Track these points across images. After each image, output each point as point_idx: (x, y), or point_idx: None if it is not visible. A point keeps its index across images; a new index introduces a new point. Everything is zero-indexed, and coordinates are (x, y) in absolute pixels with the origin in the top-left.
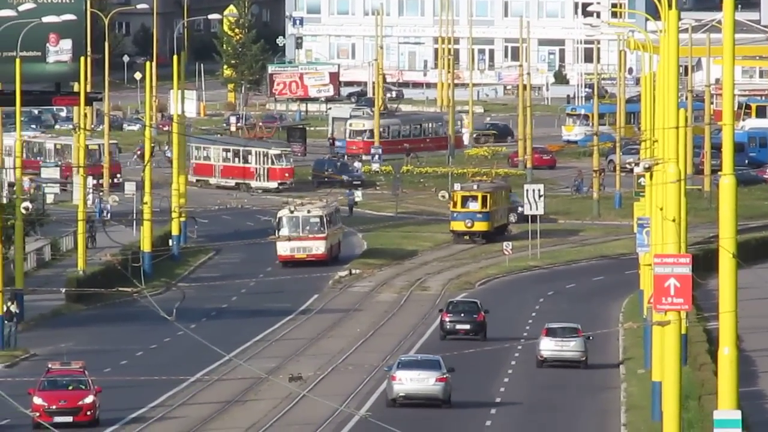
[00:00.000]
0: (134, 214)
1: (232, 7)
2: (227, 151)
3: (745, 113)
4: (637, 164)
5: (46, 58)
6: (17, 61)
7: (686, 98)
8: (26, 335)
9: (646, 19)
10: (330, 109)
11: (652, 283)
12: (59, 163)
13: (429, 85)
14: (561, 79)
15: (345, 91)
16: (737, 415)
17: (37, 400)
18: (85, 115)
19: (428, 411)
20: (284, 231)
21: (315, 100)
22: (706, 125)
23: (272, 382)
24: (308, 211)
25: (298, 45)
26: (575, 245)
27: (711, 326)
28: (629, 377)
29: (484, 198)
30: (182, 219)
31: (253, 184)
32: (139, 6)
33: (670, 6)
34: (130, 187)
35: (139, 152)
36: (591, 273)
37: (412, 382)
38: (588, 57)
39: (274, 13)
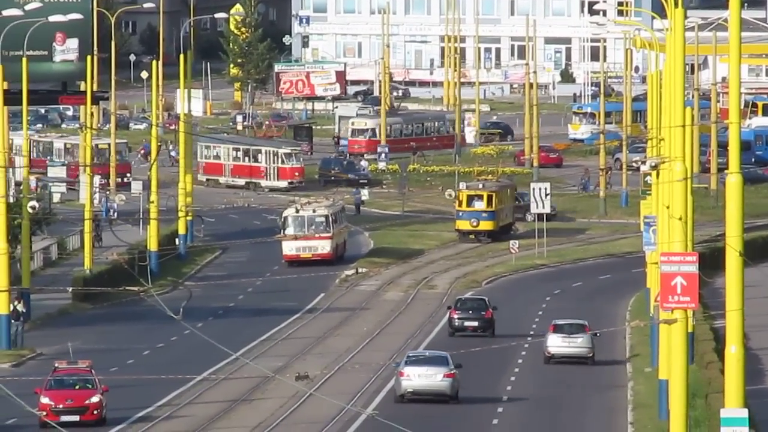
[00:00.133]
0: (141, 213)
1: (238, 5)
2: (237, 150)
3: (751, 111)
4: (643, 162)
5: (53, 57)
6: (24, 60)
7: (693, 96)
8: (33, 334)
9: (653, 18)
10: (336, 107)
11: (659, 282)
12: (65, 162)
13: (435, 84)
14: (567, 77)
15: (351, 89)
16: (744, 413)
17: (44, 400)
18: (92, 114)
19: (435, 409)
20: (290, 230)
21: (321, 98)
22: (712, 123)
23: (279, 380)
24: (314, 211)
25: (305, 44)
26: (582, 244)
27: (718, 324)
28: (636, 375)
29: (489, 197)
30: (189, 218)
31: (263, 183)
32: (145, 5)
33: (676, 4)
34: (136, 186)
35: (143, 151)
36: (598, 271)
37: (420, 378)
38: (594, 55)
39: (281, 12)
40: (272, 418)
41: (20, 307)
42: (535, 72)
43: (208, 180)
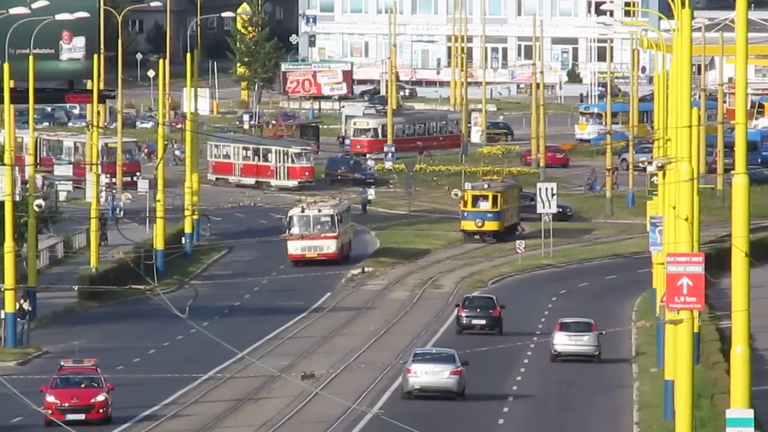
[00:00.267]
0: (147, 212)
1: (245, 5)
2: (247, 149)
3: (758, 112)
4: (650, 163)
5: (60, 55)
6: (30, 58)
7: (699, 97)
8: (39, 333)
9: (659, 18)
10: (343, 107)
11: (665, 282)
12: (71, 161)
13: (442, 84)
14: (574, 77)
15: (358, 89)
16: (750, 413)
17: (50, 398)
18: (98, 112)
19: (441, 408)
20: (295, 230)
21: (328, 98)
22: (719, 124)
23: (285, 380)
24: (319, 210)
25: (312, 43)
26: (588, 244)
27: (723, 325)
28: (642, 375)
29: (494, 197)
30: (195, 217)
31: (273, 182)
32: (152, 4)
33: (683, 5)
34: (143, 185)
35: (146, 150)
36: (604, 272)
37: (427, 375)
38: (601, 55)
39: (288, 11)
40: (278, 417)
41: (26, 306)
42: (541, 72)
43: (217, 179)
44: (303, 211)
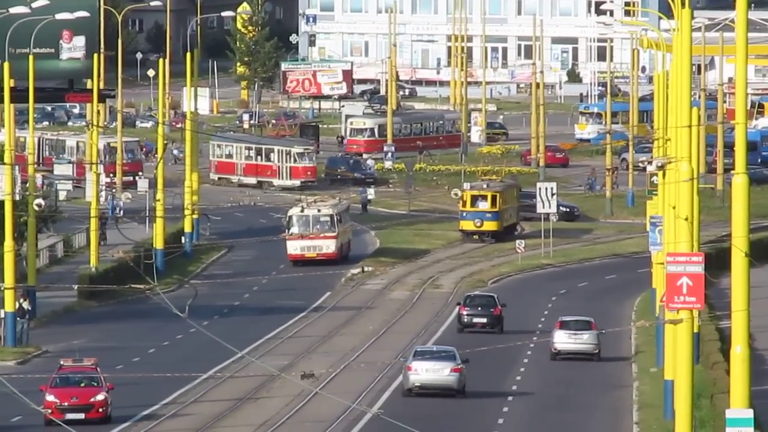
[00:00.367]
0: (147, 212)
1: (245, 4)
2: (249, 149)
3: (758, 112)
4: (650, 163)
5: (60, 54)
6: (30, 57)
7: (699, 97)
8: (38, 332)
9: (659, 18)
10: (343, 106)
11: (665, 282)
12: (71, 160)
13: (442, 83)
14: (574, 77)
15: (358, 88)
16: (749, 413)
17: (49, 397)
18: (98, 112)
19: (441, 407)
20: (294, 230)
21: (328, 97)
22: (718, 124)
23: (284, 379)
24: (319, 210)
25: (312, 42)
26: (588, 244)
27: (723, 325)
28: (641, 375)
29: (493, 197)
30: (195, 216)
31: (276, 182)
32: (152, 3)
33: (683, 5)
34: (142, 185)
35: (144, 150)
36: (603, 271)
37: (427, 372)
38: (601, 55)
39: (288, 11)
40: (278, 416)
41: (26, 305)
42: (541, 72)
43: (220, 179)
44: (302, 210)
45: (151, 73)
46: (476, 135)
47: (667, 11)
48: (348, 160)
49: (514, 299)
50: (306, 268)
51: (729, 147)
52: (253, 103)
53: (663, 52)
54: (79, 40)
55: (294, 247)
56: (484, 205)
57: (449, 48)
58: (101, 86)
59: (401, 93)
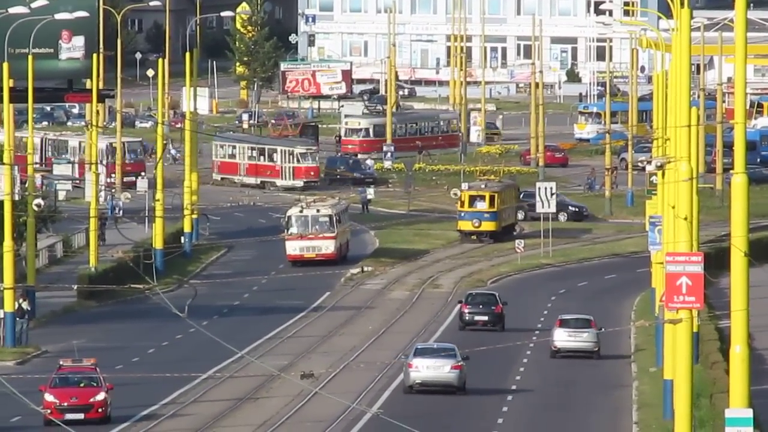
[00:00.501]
0: (146, 212)
1: (244, 4)
2: (252, 149)
3: (757, 112)
4: (649, 162)
5: (59, 55)
6: (30, 57)
7: (698, 97)
8: (38, 332)
9: (659, 18)
10: (342, 106)
11: (664, 281)
12: (75, 159)
13: (441, 83)
14: (573, 77)
15: (357, 88)
16: (749, 413)
17: (49, 397)
18: (98, 112)
19: (441, 407)
20: (293, 230)
21: (327, 97)
22: (718, 124)
23: (284, 379)
24: (318, 210)
25: (311, 42)
26: (587, 243)
27: (723, 324)
28: (641, 375)
29: (491, 197)
30: (194, 216)
31: (279, 182)
32: (151, 3)
33: (682, 4)
34: (142, 185)
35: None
36: (603, 271)
37: (428, 369)
38: (600, 55)
39: (287, 11)
40: (277, 416)
41: (25, 305)
42: (541, 71)
43: (223, 179)
44: (301, 211)
45: (150, 73)
46: (475, 135)
47: (666, 11)
48: (347, 160)
49: (513, 299)
50: (305, 268)
51: (728, 146)
52: (252, 103)
53: (662, 52)
54: (79, 40)
55: (293, 248)
56: (482, 206)
57: (448, 48)
58: (100, 86)
59: (400, 93)
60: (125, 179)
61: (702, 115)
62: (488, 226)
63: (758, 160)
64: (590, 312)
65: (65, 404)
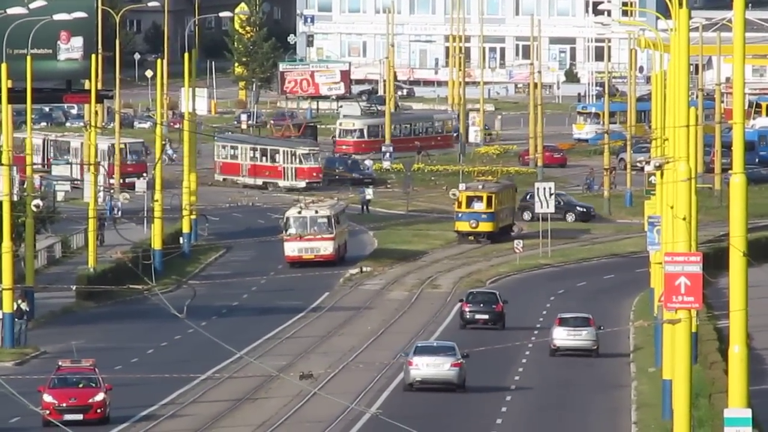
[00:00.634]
0: (145, 212)
1: (243, 5)
2: (255, 150)
3: (755, 112)
4: (647, 162)
5: (57, 55)
6: (28, 58)
7: (697, 97)
8: (36, 333)
9: (657, 18)
10: (341, 107)
11: (663, 282)
12: (77, 161)
13: (440, 83)
14: (572, 77)
15: (356, 89)
16: (748, 413)
17: (47, 398)
18: (96, 112)
19: (440, 407)
20: (292, 231)
21: (326, 97)
22: (716, 124)
23: (283, 379)
24: (316, 211)
25: (310, 43)
26: (586, 243)
27: (721, 324)
28: (640, 375)
29: (489, 198)
30: (193, 217)
31: (281, 183)
32: (150, 4)
33: (680, 5)
34: (140, 185)
35: None
36: (602, 271)
37: (428, 367)
38: (599, 55)
39: (286, 11)
40: (276, 416)
41: (24, 306)
42: (539, 72)
43: (225, 179)
44: (300, 212)
45: (149, 73)
46: (473, 135)
47: (664, 11)
48: (346, 160)
49: (513, 299)
50: (304, 268)
51: (727, 147)
52: (251, 104)
53: (661, 52)
54: (77, 41)
55: (291, 249)
56: (479, 206)
57: (447, 48)
58: (99, 87)
59: (399, 93)
60: (128, 180)
61: (700, 116)
62: (485, 226)
63: (757, 160)
64: (589, 312)
65: (64, 405)
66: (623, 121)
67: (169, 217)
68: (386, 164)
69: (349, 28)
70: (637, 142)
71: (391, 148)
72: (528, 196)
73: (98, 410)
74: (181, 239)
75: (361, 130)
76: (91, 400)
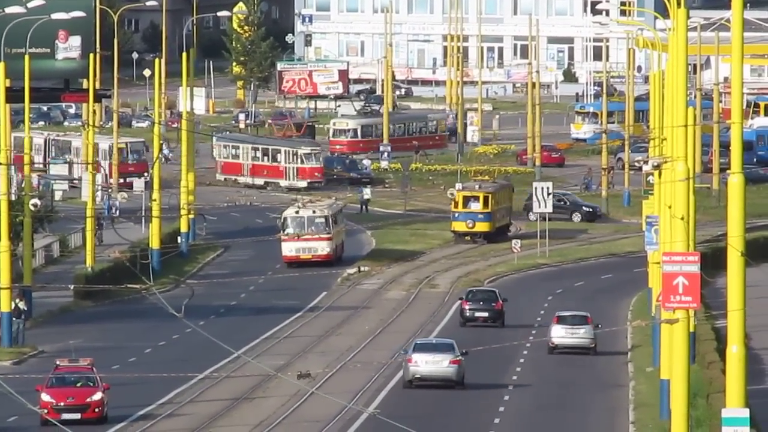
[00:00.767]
0: (143, 211)
1: (241, 4)
2: (256, 149)
3: (753, 112)
4: (645, 162)
5: (55, 54)
6: (26, 57)
7: (695, 96)
8: (34, 332)
9: (655, 17)
10: (339, 106)
11: (661, 281)
12: (67, 159)
13: (438, 83)
14: (570, 77)
15: (354, 88)
16: (745, 413)
17: (45, 397)
18: (94, 112)
19: (438, 407)
20: (289, 231)
21: (324, 97)
22: (714, 123)
23: (281, 379)
24: (313, 211)
25: (308, 42)
26: (584, 243)
27: (719, 324)
28: (638, 375)
29: (485, 198)
30: (191, 216)
31: (283, 183)
32: (148, 3)
33: (678, 4)
34: (138, 184)
35: None
36: (599, 271)
37: (427, 364)
38: (597, 55)
39: (284, 11)
40: (274, 416)
41: (22, 305)
42: (537, 71)
43: (226, 179)
44: (297, 212)
45: (147, 72)
46: (471, 135)
47: (662, 11)
48: (344, 159)
49: (511, 298)
50: (302, 268)
51: (725, 146)
52: (249, 103)
53: (659, 52)
54: (75, 40)
55: (289, 249)
56: (476, 206)
57: (445, 48)
58: (97, 86)
59: (397, 93)
60: (128, 179)
61: (698, 115)
62: (482, 227)
63: (755, 160)
64: (587, 312)
65: (62, 404)
66: (621, 120)
67: (167, 217)
68: (384, 164)
69: (347, 27)
70: (635, 141)
71: (389, 148)
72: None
73: (96, 409)
74: (179, 239)
75: (355, 130)
76: (88, 400)
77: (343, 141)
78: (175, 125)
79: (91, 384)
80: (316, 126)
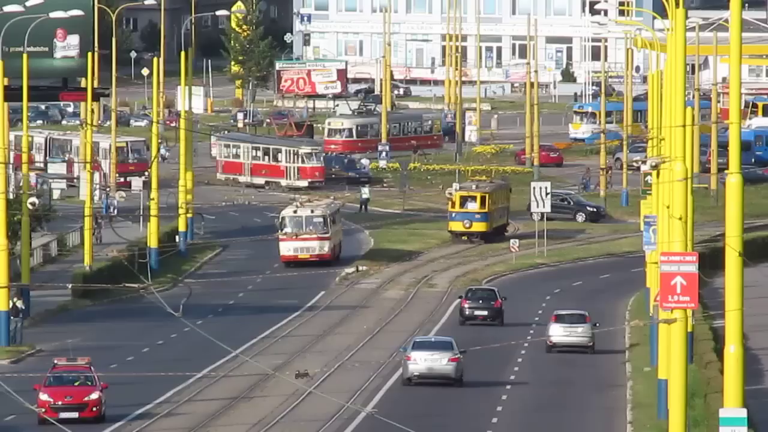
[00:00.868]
0: (141, 210)
1: (239, 3)
2: (257, 149)
3: (751, 112)
4: (644, 162)
5: (54, 53)
6: (24, 56)
7: (693, 97)
8: (32, 331)
9: (654, 18)
10: (337, 105)
11: (659, 281)
12: (65, 158)
13: (436, 83)
14: (568, 76)
15: (353, 87)
16: (743, 413)
17: (43, 396)
18: (92, 110)
19: (436, 406)
20: (287, 230)
21: (323, 96)
22: (712, 124)
23: (279, 378)
24: (312, 211)
25: (306, 42)
26: (582, 243)
27: (717, 324)
28: (635, 375)
29: (482, 198)
30: (189, 215)
31: (284, 182)
32: (146, 2)
33: (677, 4)
34: (137, 183)
35: None
36: (597, 271)
37: (426, 362)
38: (595, 55)
39: (282, 10)
40: (272, 415)
41: (20, 304)
42: (536, 71)
43: (227, 179)
44: (295, 211)
45: (145, 71)
46: (470, 134)
47: (661, 11)
48: (342, 159)
49: (509, 298)
50: (300, 267)
51: (723, 146)
52: (247, 102)
53: (657, 52)
54: (74, 39)
55: (287, 249)
56: (473, 206)
57: (444, 47)
58: (95, 85)
59: (395, 92)
60: (128, 178)
61: (697, 115)
62: (479, 227)
63: (753, 160)
64: (585, 311)
65: (60, 403)
66: (620, 120)
67: (166, 216)
68: (383, 163)
69: (346, 27)
70: (633, 141)
71: (387, 147)
72: None
73: (94, 408)
74: (177, 238)
75: (350, 130)
76: (86, 399)
77: (338, 141)
78: (173, 124)
79: (89, 383)
80: (314, 125)
